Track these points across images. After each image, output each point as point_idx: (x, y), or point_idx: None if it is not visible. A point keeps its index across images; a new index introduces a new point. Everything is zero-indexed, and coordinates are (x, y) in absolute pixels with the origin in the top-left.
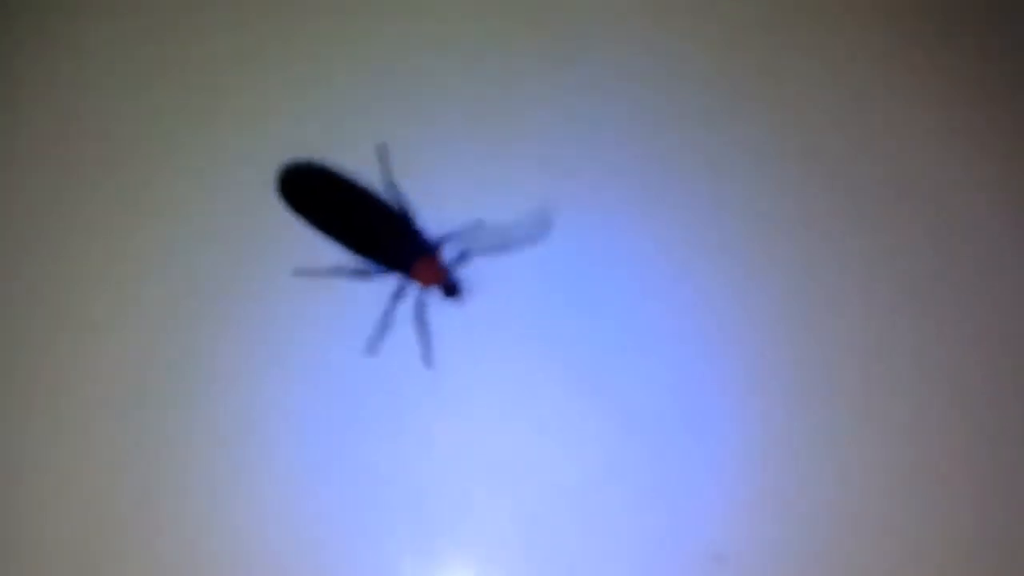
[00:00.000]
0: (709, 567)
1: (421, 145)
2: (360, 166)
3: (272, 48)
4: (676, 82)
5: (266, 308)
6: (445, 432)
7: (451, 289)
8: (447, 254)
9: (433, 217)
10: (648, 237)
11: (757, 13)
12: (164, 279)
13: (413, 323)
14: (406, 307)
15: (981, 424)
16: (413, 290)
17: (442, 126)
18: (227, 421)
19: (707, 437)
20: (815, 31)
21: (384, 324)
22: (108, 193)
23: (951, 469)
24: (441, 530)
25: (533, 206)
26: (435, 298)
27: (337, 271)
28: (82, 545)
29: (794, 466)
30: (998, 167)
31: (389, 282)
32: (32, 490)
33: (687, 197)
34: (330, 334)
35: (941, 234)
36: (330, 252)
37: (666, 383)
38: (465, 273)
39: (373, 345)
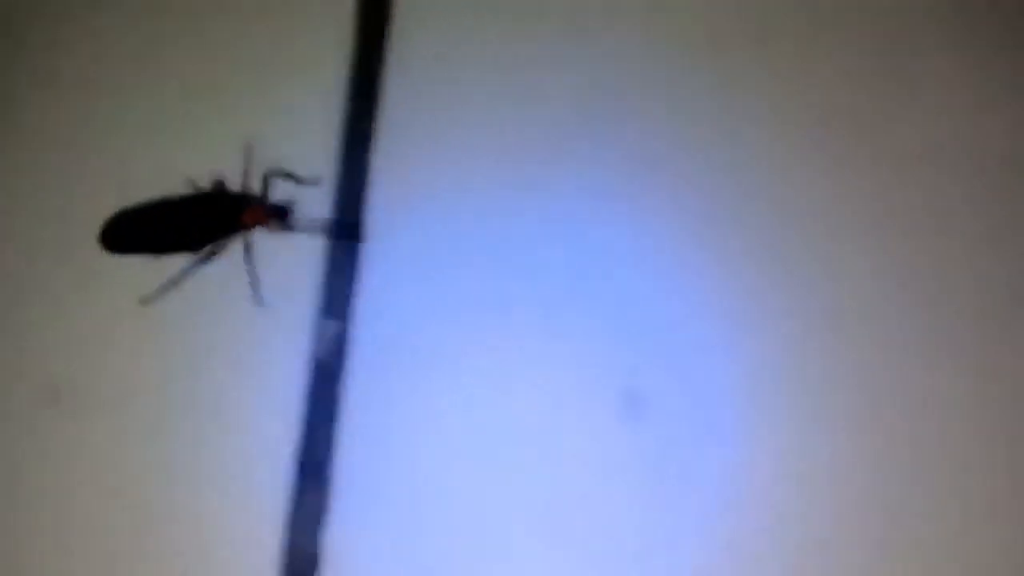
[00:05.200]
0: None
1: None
2: None
3: None
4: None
5: None
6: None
7: (281, 214)
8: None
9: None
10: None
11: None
12: None
13: (245, 265)
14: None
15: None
16: (256, 237)
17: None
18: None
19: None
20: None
21: (254, 278)
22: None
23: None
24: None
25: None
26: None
27: (181, 275)
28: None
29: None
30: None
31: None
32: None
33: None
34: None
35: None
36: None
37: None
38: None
39: (258, 297)
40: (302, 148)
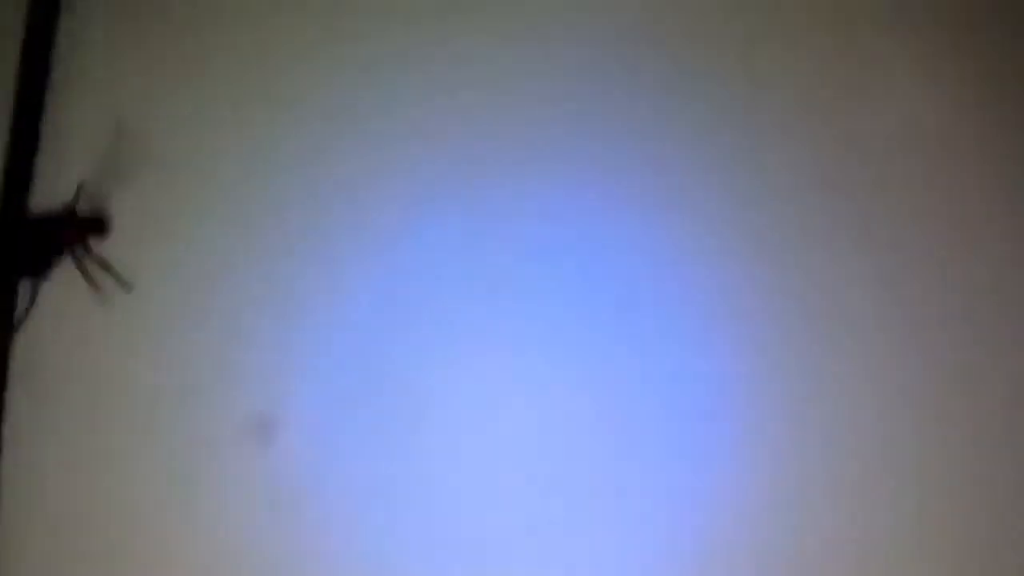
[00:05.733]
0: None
1: None
2: None
3: None
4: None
5: None
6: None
7: (97, 228)
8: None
9: None
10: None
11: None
12: None
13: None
14: None
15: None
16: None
17: None
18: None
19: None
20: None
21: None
22: None
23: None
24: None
25: None
26: None
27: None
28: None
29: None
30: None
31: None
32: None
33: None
34: None
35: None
36: None
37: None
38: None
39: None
40: None
